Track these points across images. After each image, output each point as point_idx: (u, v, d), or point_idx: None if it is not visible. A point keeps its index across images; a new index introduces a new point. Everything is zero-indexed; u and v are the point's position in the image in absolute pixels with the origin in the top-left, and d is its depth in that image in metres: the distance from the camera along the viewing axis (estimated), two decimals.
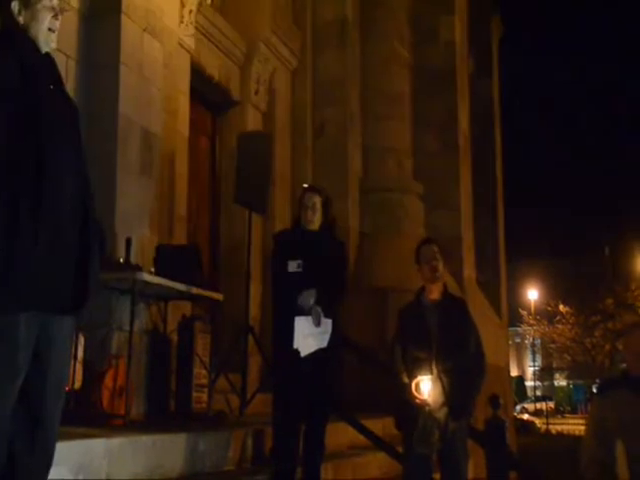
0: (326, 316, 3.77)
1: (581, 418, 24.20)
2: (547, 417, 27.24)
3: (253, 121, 7.33)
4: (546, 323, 32.70)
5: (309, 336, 3.74)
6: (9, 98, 1.93)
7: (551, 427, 24.09)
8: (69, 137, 2.06)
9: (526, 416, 25.82)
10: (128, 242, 4.40)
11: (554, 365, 36.38)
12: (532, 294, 36.34)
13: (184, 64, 6.02)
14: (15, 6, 2.09)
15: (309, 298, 3.73)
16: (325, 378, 3.81)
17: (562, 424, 24.79)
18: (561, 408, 36.43)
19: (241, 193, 5.75)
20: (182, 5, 5.90)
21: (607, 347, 28.27)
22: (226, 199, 6.79)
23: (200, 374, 4.82)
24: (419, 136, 8.80)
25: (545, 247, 36.99)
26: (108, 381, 4.09)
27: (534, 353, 38.20)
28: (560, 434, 20.80)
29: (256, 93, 7.40)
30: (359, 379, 6.06)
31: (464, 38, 9.78)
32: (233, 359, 5.34)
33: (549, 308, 32.43)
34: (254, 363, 5.78)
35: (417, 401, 3.33)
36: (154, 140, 5.07)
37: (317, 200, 3.96)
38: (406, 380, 3.43)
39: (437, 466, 3.52)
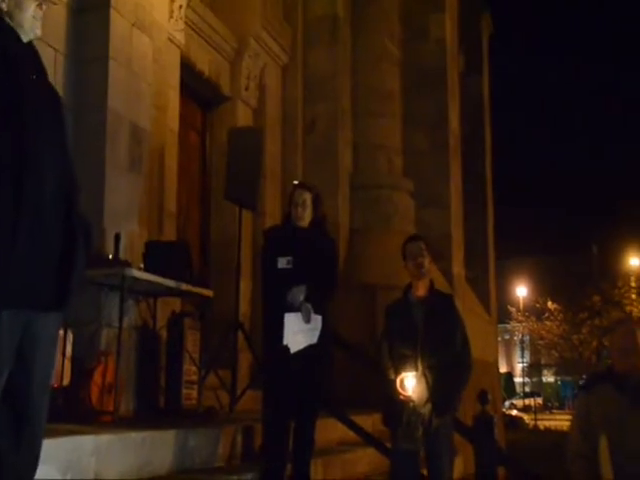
0: (316, 312, 3.77)
1: (569, 414, 24.32)
2: (535, 413, 27.40)
3: (243, 117, 7.31)
4: (534, 320, 32.91)
5: (299, 332, 3.74)
6: None
7: (539, 423, 24.24)
8: (53, 129, 2.00)
9: (515, 412, 25.98)
10: (117, 238, 4.37)
11: (542, 361, 36.63)
12: (521, 291, 36.56)
13: (174, 59, 5.99)
14: None
15: (299, 294, 3.73)
16: (315, 375, 3.81)
17: (550, 420, 24.94)
18: (549, 404, 36.66)
19: (231, 189, 5.74)
20: (172, 0, 5.87)
21: (594, 344, 28.48)
22: (216, 195, 6.77)
23: (190, 370, 4.81)
24: (409, 133, 8.82)
25: (534, 245, 37.24)
26: (97, 378, 4.07)
27: (523, 349, 38.42)
28: (548, 430, 20.94)
29: (246, 89, 7.38)
30: (349, 375, 6.06)
31: (454, 36, 9.79)
32: (223, 355, 5.33)
33: (538, 305, 32.65)
34: (244, 360, 5.78)
35: (402, 397, 3.35)
36: (143, 135, 5.05)
37: (307, 197, 3.95)
38: (392, 376, 3.45)
39: (424, 461, 3.54)
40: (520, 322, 34.34)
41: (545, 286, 33.92)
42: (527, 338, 37.12)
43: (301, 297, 3.73)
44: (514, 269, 35.23)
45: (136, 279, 4.34)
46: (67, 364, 3.99)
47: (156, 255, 4.67)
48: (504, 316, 30.89)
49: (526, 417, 25.46)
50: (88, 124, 4.66)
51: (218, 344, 5.37)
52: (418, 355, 3.42)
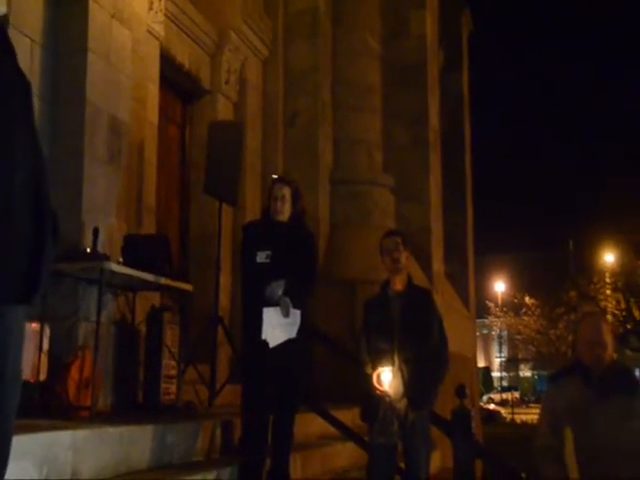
0: (295, 307, 3.77)
1: None
2: (512, 407, 27.73)
3: (224, 110, 7.27)
4: (512, 315, 33.28)
5: (277, 327, 3.75)
6: None
7: (516, 416, 24.56)
8: (20, 113, 1.91)
9: (492, 406, 26.29)
10: (95, 231, 4.33)
11: (520, 356, 37.06)
12: (499, 286, 36.92)
13: (153, 51, 5.94)
14: None
15: (277, 289, 3.73)
16: (294, 369, 3.82)
17: (527, 413, 25.26)
18: (526, 398, 37.11)
19: (211, 183, 5.71)
20: None
21: (570, 338, 28.84)
22: (196, 189, 6.73)
23: (169, 365, 4.79)
24: (389, 129, 8.83)
25: (512, 241, 37.59)
26: (74, 372, 4.04)
27: (501, 344, 38.83)
28: (525, 423, 21.23)
29: (227, 82, 7.34)
30: (329, 370, 6.08)
31: (435, 32, 9.82)
32: (202, 350, 5.31)
33: (515, 300, 33.03)
34: (223, 354, 5.76)
35: (378, 392, 3.37)
36: (122, 128, 5.00)
37: (286, 191, 3.95)
38: (369, 371, 3.47)
39: (401, 455, 3.56)
40: (498, 317, 34.70)
41: (523, 282, 34.31)
42: (505, 333, 37.52)
43: (280, 291, 3.73)
44: (492, 265, 35.54)
45: (115, 273, 4.30)
46: (44, 359, 3.95)
47: (135, 249, 4.64)
48: (482, 311, 31.21)
49: (503, 411, 25.80)
50: (66, 116, 4.60)
51: (197, 338, 5.36)
52: (395, 349, 3.45)
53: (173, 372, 4.83)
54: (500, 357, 41.33)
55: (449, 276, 10.15)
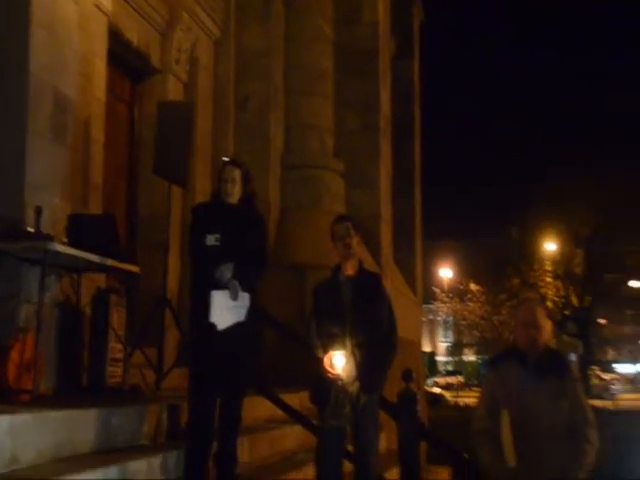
0: (244, 290, 3.76)
1: None
2: (457, 390, 28.42)
3: (174, 91, 7.13)
4: (458, 301, 34.02)
5: (226, 310, 3.73)
6: None
7: (460, 400, 25.16)
8: None
9: (437, 389, 26.86)
10: (38, 210, 4.20)
11: (464, 341, 37.99)
12: (445, 272, 37.65)
13: (101, 27, 5.77)
14: None
15: (226, 272, 3.71)
16: (242, 353, 3.81)
17: (470, 397, 25.90)
18: (470, 382, 38.09)
19: (160, 164, 5.61)
20: None
21: (513, 324, 29.70)
22: (145, 169, 6.60)
23: (115, 348, 4.71)
24: (340, 115, 8.84)
25: (459, 228, 38.29)
26: (14, 355, 3.92)
27: (446, 329, 39.67)
28: (468, 406, 21.74)
29: (177, 62, 7.20)
30: (278, 354, 6.09)
31: (387, 20, 9.85)
32: (150, 333, 5.24)
33: (461, 287, 33.78)
34: (171, 337, 5.70)
35: (330, 375, 3.40)
36: (68, 103, 4.84)
37: (237, 174, 3.92)
38: (320, 355, 3.49)
39: (350, 438, 3.61)
40: (444, 303, 35.42)
41: (468, 268, 35.10)
42: (451, 318, 38.35)
43: (228, 274, 3.71)
44: (439, 251, 36.21)
45: (59, 253, 4.19)
46: None
47: (80, 229, 4.52)
48: (429, 297, 31.79)
49: (448, 394, 26.40)
50: (8, 90, 4.43)
51: (145, 321, 5.28)
52: (347, 334, 3.48)
53: (119, 355, 4.75)
54: (445, 342, 42.25)
55: (397, 261, 10.28)
